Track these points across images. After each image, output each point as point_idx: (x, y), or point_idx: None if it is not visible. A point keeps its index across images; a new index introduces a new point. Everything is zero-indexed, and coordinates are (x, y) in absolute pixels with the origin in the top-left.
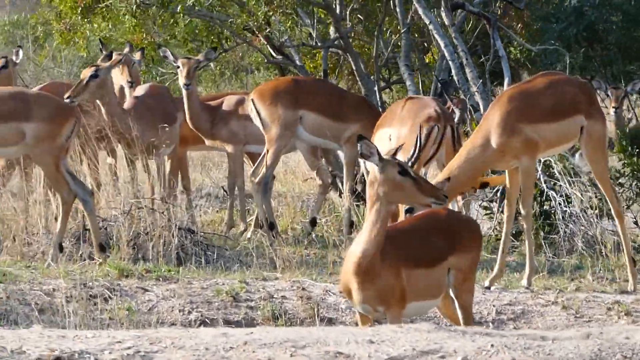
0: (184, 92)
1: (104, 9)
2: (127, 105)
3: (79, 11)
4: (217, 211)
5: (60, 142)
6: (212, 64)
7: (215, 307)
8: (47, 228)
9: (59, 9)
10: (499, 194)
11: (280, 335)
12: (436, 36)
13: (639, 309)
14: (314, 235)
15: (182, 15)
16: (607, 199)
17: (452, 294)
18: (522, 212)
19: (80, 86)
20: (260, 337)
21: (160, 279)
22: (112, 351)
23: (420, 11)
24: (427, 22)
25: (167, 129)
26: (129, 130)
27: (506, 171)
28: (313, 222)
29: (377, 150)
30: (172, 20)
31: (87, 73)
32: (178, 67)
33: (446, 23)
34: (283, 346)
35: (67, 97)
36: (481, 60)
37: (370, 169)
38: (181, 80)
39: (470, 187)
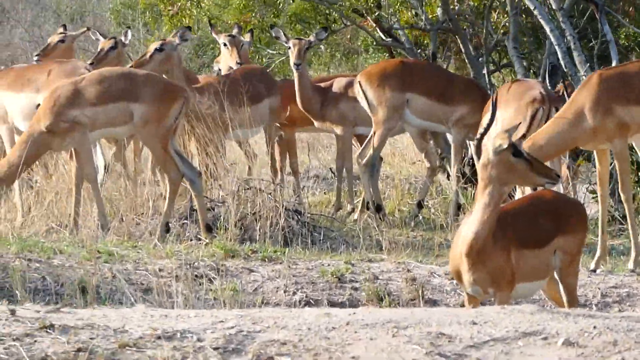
0: (294, 72)
1: None
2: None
3: None
4: (325, 193)
5: (168, 123)
6: (322, 46)
7: (319, 288)
8: (155, 208)
9: None
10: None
11: (382, 315)
12: (542, 21)
13: None
14: (420, 217)
15: None
16: None
17: (557, 276)
18: (622, 196)
19: (144, 58)
20: (362, 317)
21: (266, 259)
22: (214, 330)
23: None
24: (532, 8)
25: (246, 109)
26: (199, 108)
27: (595, 152)
28: (420, 205)
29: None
30: (279, 1)
31: (153, 47)
32: (289, 47)
33: (553, 7)
34: (385, 327)
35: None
36: (590, 44)
37: (483, 151)
38: (292, 61)
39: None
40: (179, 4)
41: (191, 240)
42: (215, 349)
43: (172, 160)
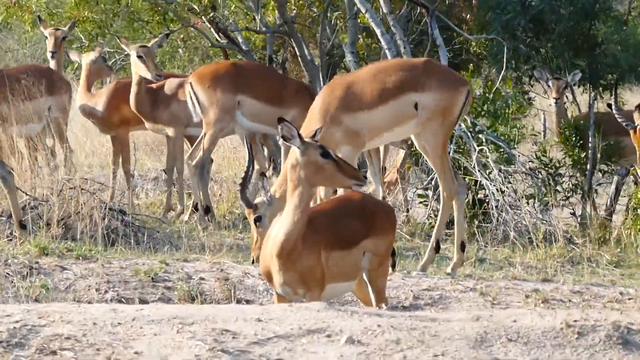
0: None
1: None
2: None
3: None
4: (160, 194)
5: None
6: (180, 50)
7: (132, 286)
8: None
9: None
10: (433, 182)
11: (169, 312)
12: (372, 24)
13: (557, 297)
14: None
15: None
16: None
17: (365, 278)
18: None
19: None
20: (149, 313)
21: (80, 258)
22: (0, 324)
23: (356, 0)
24: (364, 11)
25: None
26: None
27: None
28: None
29: (298, 132)
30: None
31: None
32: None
33: (384, 11)
34: (171, 322)
35: None
36: (427, 50)
37: (291, 151)
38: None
39: None
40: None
41: (8, 237)
42: None
43: None
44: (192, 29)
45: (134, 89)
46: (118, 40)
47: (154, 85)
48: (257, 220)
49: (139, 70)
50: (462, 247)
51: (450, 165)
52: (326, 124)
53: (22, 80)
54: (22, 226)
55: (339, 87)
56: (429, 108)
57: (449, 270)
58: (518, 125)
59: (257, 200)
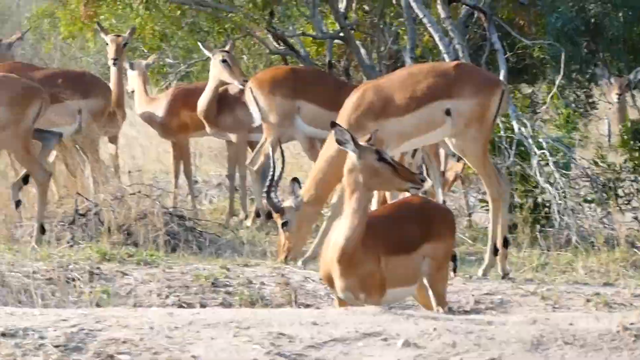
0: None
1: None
2: None
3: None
4: (223, 200)
5: (27, 125)
6: (245, 56)
7: (193, 291)
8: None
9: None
10: None
11: (226, 316)
12: (430, 29)
13: (618, 301)
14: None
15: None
16: None
17: (426, 282)
18: None
19: None
20: (205, 317)
21: (141, 263)
22: (57, 328)
23: (413, 5)
24: (421, 16)
25: None
26: None
27: None
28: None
29: (352, 136)
30: (179, 11)
31: None
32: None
33: (442, 16)
34: (227, 326)
35: None
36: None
37: (348, 156)
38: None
39: None
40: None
41: (69, 243)
42: (56, 346)
43: (36, 161)
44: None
45: (207, 94)
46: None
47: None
48: (284, 224)
49: (222, 75)
50: (496, 250)
51: (493, 167)
52: (351, 128)
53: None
54: (42, 230)
55: (369, 93)
56: (464, 115)
57: (479, 273)
58: (580, 130)
59: (285, 204)
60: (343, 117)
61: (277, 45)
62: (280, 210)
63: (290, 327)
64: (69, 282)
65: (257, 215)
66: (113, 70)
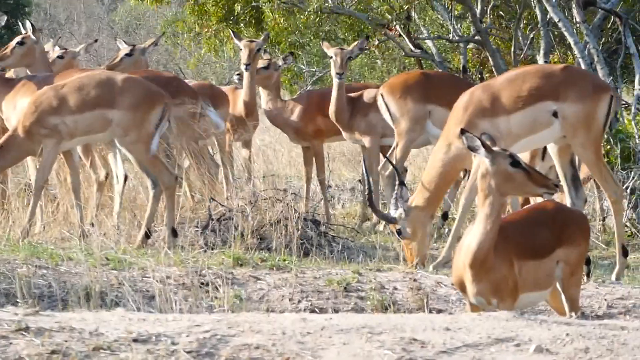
0: (335, 82)
1: (247, 13)
2: None
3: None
4: (355, 204)
5: (149, 129)
6: (378, 60)
7: (325, 296)
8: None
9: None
10: (628, 190)
11: (357, 321)
12: (565, 33)
13: None
14: (446, 229)
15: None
16: None
17: (559, 287)
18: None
19: (115, 62)
20: (337, 322)
21: (274, 268)
22: (189, 334)
23: (549, 9)
24: (557, 20)
25: None
26: None
27: None
28: (445, 216)
29: (483, 142)
30: (317, 19)
31: (123, 52)
32: (331, 57)
33: (577, 20)
34: (359, 332)
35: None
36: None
37: (480, 161)
38: (334, 71)
39: None
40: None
41: (202, 248)
42: (189, 352)
43: (161, 164)
44: (388, 39)
45: (334, 94)
46: (322, 46)
47: (352, 95)
48: (399, 233)
49: (332, 70)
50: (624, 252)
51: (608, 169)
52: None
53: None
54: (147, 236)
55: (478, 92)
56: (569, 119)
57: (613, 277)
58: None
59: (396, 213)
60: (455, 117)
61: (412, 49)
62: (394, 220)
63: (422, 333)
64: (202, 287)
65: None
66: (246, 75)
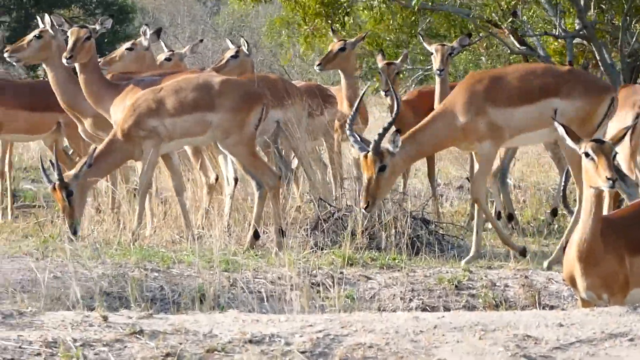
0: (437, 78)
1: (343, 11)
2: None
3: (323, 13)
4: (464, 202)
5: (249, 130)
6: (483, 58)
7: (436, 295)
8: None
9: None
10: None
11: (470, 318)
12: None
13: None
14: (555, 225)
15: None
16: None
17: None
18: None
19: (221, 64)
20: (450, 320)
21: (384, 267)
22: (303, 334)
23: None
24: None
25: None
26: None
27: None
28: (554, 212)
29: (568, 129)
30: (413, 17)
31: (228, 54)
32: (432, 53)
33: None
34: (472, 329)
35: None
36: None
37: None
38: (435, 66)
39: None
40: (315, 22)
41: (312, 249)
42: (302, 352)
43: (264, 165)
44: (493, 36)
45: (437, 91)
46: (421, 41)
47: None
48: (381, 169)
49: (433, 66)
50: None
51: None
52: (471, 115)
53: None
54: (257, 236)
55: (485, 80)
56: (568, 116)
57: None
58: None
59: (384, 147)
60: (458, 103)
61: (518, 46)
62: (378, 154)
63: (535, 329)
64: (313, 287)
65: (498, 217)
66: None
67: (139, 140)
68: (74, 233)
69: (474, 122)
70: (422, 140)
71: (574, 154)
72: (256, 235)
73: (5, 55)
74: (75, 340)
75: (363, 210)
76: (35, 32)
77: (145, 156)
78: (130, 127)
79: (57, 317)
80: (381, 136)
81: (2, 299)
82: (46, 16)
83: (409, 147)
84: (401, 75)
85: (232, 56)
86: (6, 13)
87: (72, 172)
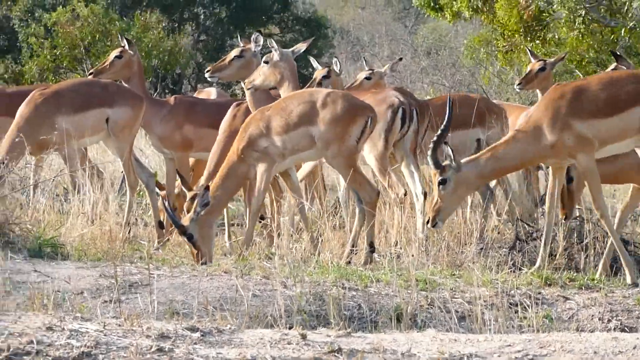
0: None
1: (545, 28)
2: None
3: (521, 29)
4: None
5: (351, 143)
6: None
7: (635, 315)
8: (482, 237)
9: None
10: None
11: None
12: None
13: None
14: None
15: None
16: None
17: None
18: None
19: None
20: None
21: (583, 287)
22: (501, 354)
23: None
24: None
25: None
26: None
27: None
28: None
29: None
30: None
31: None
32: None
33: None
34: None
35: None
36: None
37: None
38: None
39: None
40: (514, 39)
41: (511, 269)
42: None
43: (363, 178)
44: None
45: None
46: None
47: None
48: (441, 182)
49: None
50: None
51: None
52: (556, 130)
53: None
54: (371, 251)
55: (568, 92)
56: None
57: (628, 280)
58: None
59: (446, 162)
60: (540, 116)
61: None
62: (441, 168)
63: None
64: (511, 307)
65: None
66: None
67: (252, 161)
68: (205, 264)
69: (561, 138)
70: (503, 157)
71: None
72: (371, 249)
73: (207, 75)
74: (273, 358)
75: (427, 225)
76: (236, 51)
77: (258, 177)
78: (243, 149)
79: (256, 334)
80: (435, 146)
81: (201, 316)
82: (255, 34)
83: (484, 164)
84: None
85: (365, 78)
86: (204, 32)
87: (189, 215)
